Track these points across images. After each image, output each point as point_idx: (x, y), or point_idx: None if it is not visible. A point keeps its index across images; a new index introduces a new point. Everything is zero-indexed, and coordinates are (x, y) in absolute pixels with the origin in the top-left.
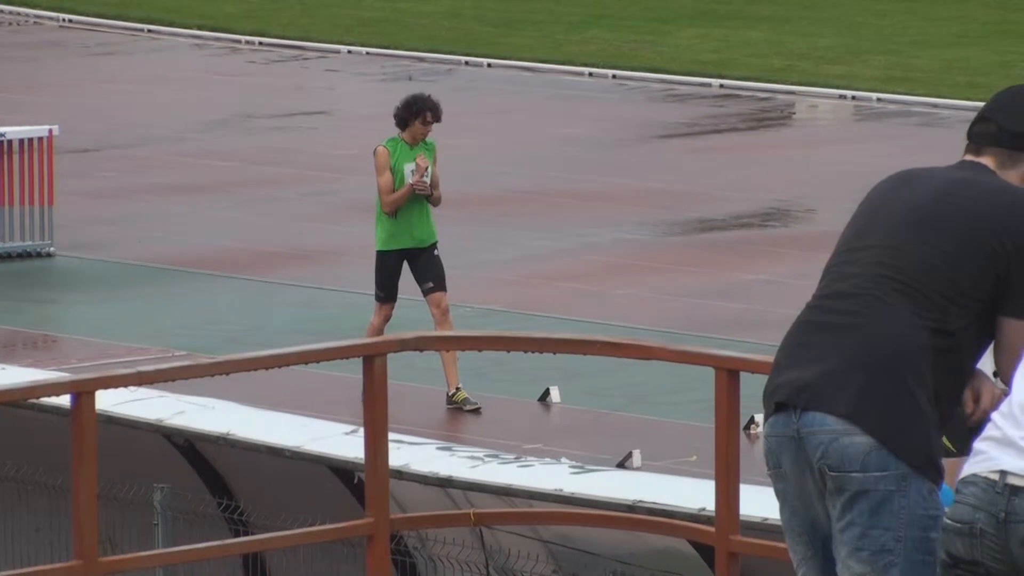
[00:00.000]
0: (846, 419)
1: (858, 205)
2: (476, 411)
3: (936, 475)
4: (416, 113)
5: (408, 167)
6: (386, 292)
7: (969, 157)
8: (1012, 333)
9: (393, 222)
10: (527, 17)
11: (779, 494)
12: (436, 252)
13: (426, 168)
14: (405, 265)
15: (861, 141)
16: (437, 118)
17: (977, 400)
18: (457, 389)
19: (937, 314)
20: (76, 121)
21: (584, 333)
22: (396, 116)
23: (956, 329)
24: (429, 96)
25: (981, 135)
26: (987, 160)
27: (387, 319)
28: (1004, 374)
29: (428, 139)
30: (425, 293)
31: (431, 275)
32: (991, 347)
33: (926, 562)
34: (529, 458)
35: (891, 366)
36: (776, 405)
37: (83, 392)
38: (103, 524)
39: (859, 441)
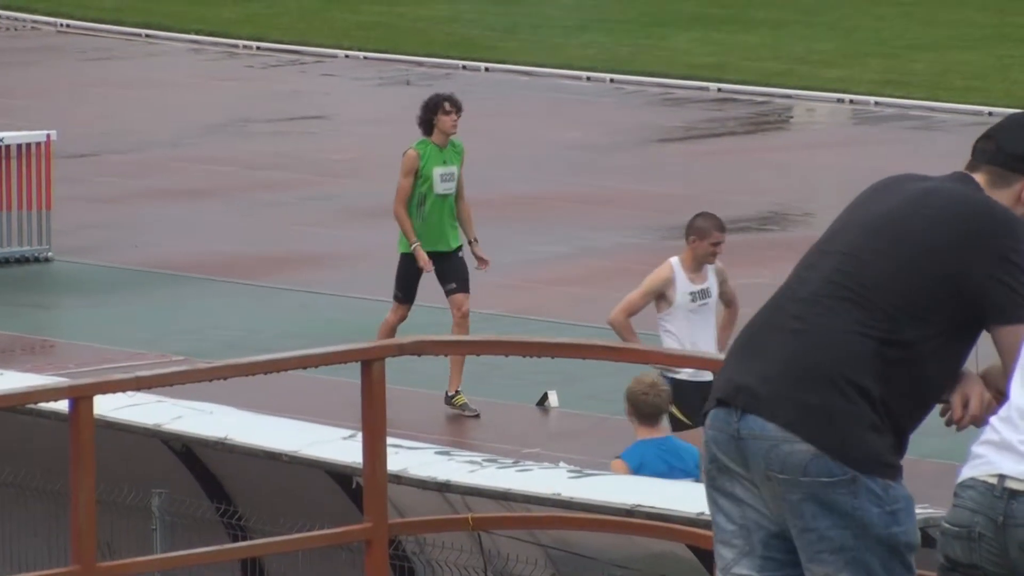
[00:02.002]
0: (785, 428)
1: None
2: (475, 416)
3: (887, 470)
4: (435, 108)
5: (438, 171)
6: (405, 293)
7: (965, 171)
8: (1003, 339)
9: (421, 225)
10: (525, 21)
11: (716, 489)
12: (461, 255)
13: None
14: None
15: (858, 145)
16: (457, 106)
17: (966, 405)
18: (457, 392)
19: (887, 324)
20: (74, 126)
21: (583, 337)
22: (420, 122)
23: (912, 340)
24: (443, 91)
25: (981, 151)
26: (980, 176)
27: (403, 319)
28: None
29: (456, 141)
30: (448, 294)
31: (455, 277)
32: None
33: (894, 556)
34: (527, 462)
35: (828, 375)
36: (717, 400)
37: (81, 397)
38: (101, 529)
39: (800, 449)
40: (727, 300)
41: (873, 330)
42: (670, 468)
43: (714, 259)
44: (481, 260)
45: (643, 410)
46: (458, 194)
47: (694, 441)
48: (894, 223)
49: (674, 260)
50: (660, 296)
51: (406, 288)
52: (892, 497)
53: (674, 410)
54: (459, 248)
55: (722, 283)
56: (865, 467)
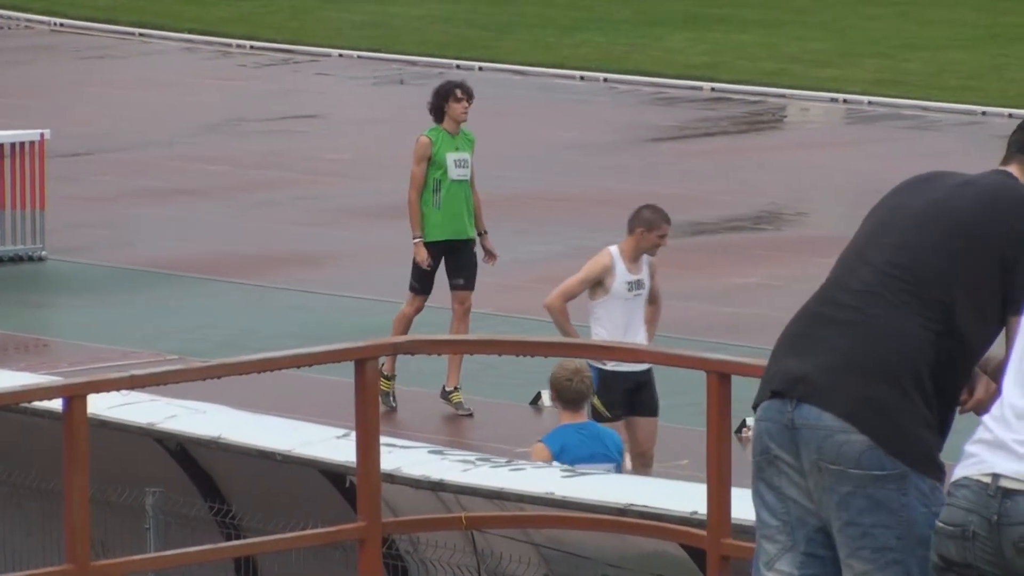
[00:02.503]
0: (843, 418)
1: (880, 199)
2: (468, 416)
3: (936, 472)
4: (446, 95)
5: (452, 157)
6: (421, 284)
7: (1000, 165)
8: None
9: (438, 212)
10: (518, 21)
11: (763, 481)
12: (474, 250)
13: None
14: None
15: (852, 144)
16: (468, 94)
17: (972, 391)
18: (455, 389)
19: (942, 315)
20: (68, 125)
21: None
22: (431, 108)
23: (963, 330)
24: (455, 79)
25: (1015, 142)
26: (1015, 167)
27: (419, 310)
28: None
29: (467, 131)
30: (453, 288)
31: (464, 272)
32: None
33: (929, 558)
34: (521, 461)
35: (889, 368)
36: (771, 392)
37: (75, 396)
38: (95, 528)
39: (855, 439)
40: (652, 296)
41: (932, 322)
42: (591, 453)
43: (657, 251)
44: (490, 253)
45: (566, 396)
46: (471, 185)
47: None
48: (942, 215)
49: (613, 249)
50: (597, 284)
51: (423, 278)
52: (937, 499)
53: (595, 400)
54: (473, 241)
55: (651, 277)
56: (917, 464)
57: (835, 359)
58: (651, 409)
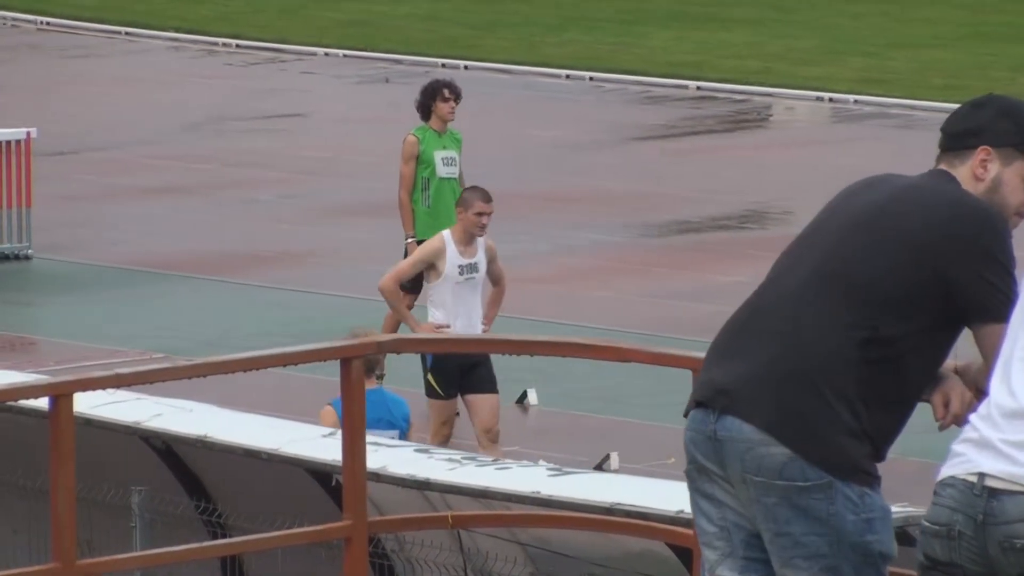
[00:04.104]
0: (763, 430)
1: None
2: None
3: (865, 477)
4: (433, 94)
5: (439, 155)
6: (412, 282)
7: (942, 166)
8: (986, 337)
9: (427, 210)
10: (504, 19)
11: (697, 490)
12: None
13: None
14: None
15: (838, 143)
16: (456, 93)
17: (947, 404)
18: None
19: (870, 322)
20: (54, 124)
21: (561, 335)
22: (418, 106)
23: (894, 337)
24: (443, 78)
25: (939, 144)
26: (944, 166)
27: (409, 308)
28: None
29: (454, 130)
30: None
31: None
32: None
33: (868, 563)
34: (507, 461)
35: (811, 377)
36: (696, 402)
37: (61, 395)
38: (81, 526)
39: (776, 452)
40: (495, 278)
41: (857, 328)
42: (376, 419)
43: (481, 231)
44: None
45: None
46: (459, 184)
47: (447, 412)
48: (878, 220)
49: (446, 233)
50: (431, 267)
51: (413, 278)
52: (868, 505)
53: (429, 378)
54: None
55: (491, 261)
56: (841, 473)
57: (757, 369)
58: (488, 387)
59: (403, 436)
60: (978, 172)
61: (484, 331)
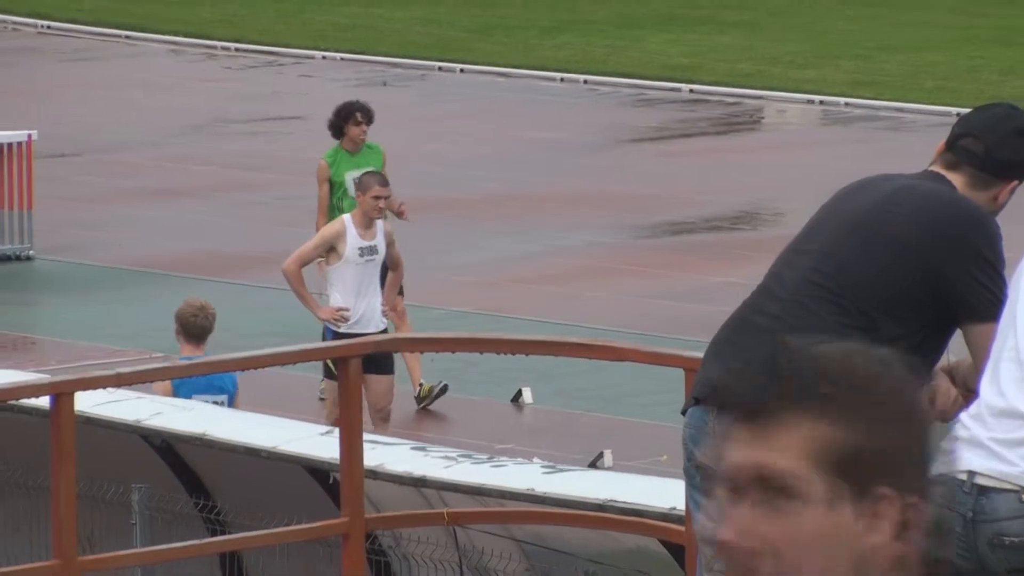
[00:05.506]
0: None
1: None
2: (444, 390)
3: None
4: (346, 117)
5: (350, 176)
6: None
7: (938, 169)
8: (976, 337)
9: None
10: (500, 23)
11: (694, 487)
12: None
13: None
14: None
15: (829, 145)
16: (368, 117)
17: (932, 402)
18: (420, 385)
19: (865, 323)
20: (54, 126)
21: (556, 335)
22: (330, 126)
23: (889, 339)
24: (358, 100)
25: (966, 151)
26: (958, 175)
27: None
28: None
29: (373, 144)
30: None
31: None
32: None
33: None
34: (502, 458)
35: None
36: (695, 399)
37: (62, 393)
38: (82, 524)
39: None
40: (393, 263)
41: (851, 331)
42: (207, 384)
43: (379, 214)
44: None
45: (191, 331)
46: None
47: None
48: (870, 222)
49: (347, 216)
50: (331, 249)
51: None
52: None
53: (329, 362)
54: None
55: (389, 245)
56: None
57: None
58: (383, 368)
59: (231, 401)
60: (1002, 199)
61: (384, 312)
